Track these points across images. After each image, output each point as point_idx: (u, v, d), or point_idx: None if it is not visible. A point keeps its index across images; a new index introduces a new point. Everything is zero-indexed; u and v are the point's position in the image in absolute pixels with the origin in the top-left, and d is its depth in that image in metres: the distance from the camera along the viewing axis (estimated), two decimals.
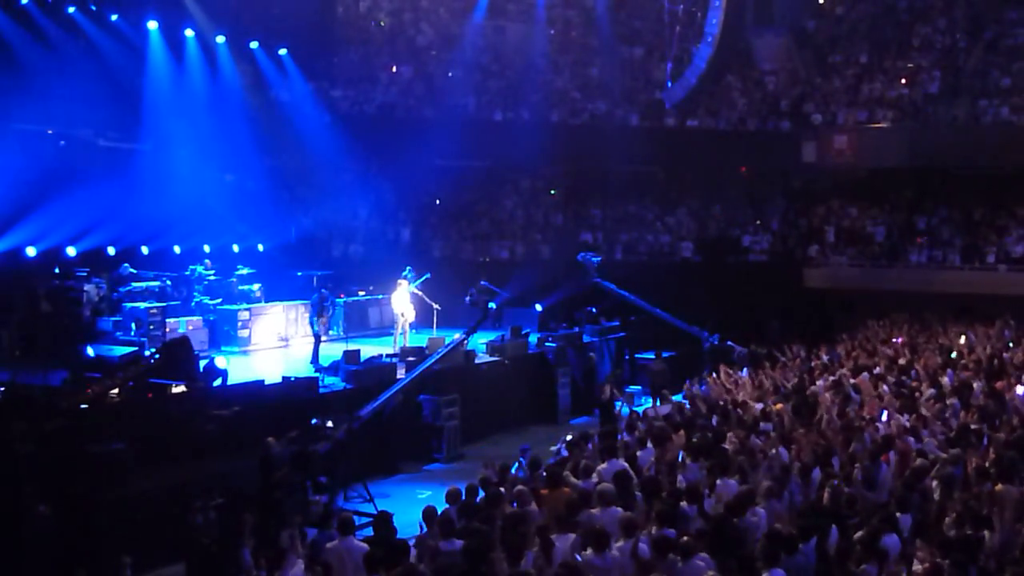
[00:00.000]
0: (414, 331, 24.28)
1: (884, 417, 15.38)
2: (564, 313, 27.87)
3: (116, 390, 16.33)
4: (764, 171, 34.70)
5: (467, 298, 26.62)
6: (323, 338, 22.64)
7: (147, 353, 18.00)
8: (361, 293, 27.05)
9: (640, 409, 18.80)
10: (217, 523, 13.15)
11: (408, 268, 24.33)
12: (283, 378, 18.50)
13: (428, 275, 24.42)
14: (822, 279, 31.65)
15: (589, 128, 35.76)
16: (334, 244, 34.03)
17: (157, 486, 14.57)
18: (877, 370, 19.43)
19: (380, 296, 26.07)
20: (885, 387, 17.61)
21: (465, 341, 21.20)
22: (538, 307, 27.76)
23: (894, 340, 24.15)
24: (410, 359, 20.98)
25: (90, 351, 19.22)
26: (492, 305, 25.94)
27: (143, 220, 26.05)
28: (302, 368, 21.20)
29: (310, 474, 15.19)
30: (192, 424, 15.99)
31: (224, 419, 16.26)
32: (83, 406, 15.54)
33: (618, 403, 20.00)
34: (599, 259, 28.43)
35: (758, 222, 34.49)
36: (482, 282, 25.79)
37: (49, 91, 23.77)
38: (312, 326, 22.49)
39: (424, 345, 22.02)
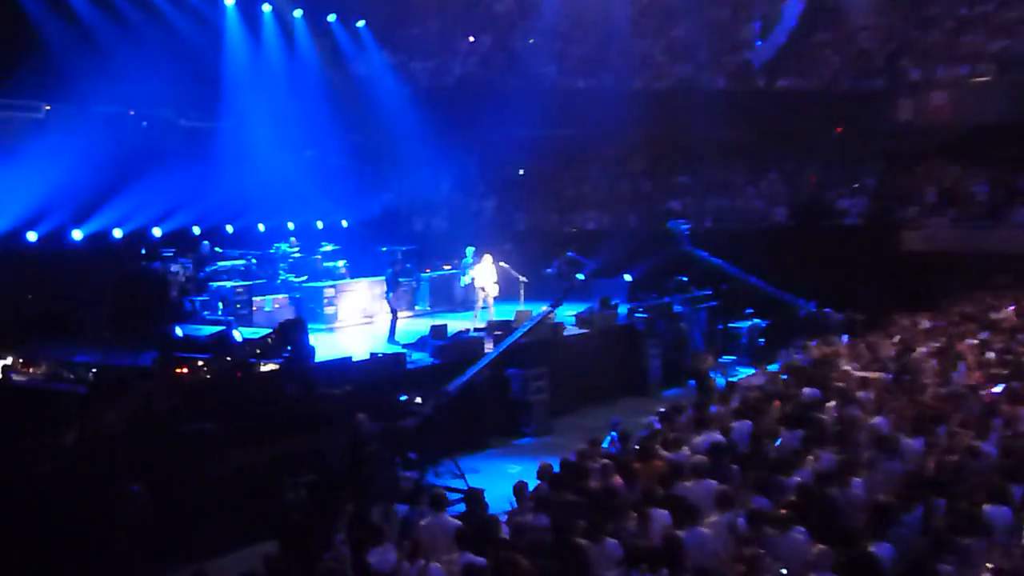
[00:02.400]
0: (496, 306, 24.45)
1: (991, 384, 15.10)
2: (654, 283, 27.72)
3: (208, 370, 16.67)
4: (859, 131, 34.01)
5: (552, 270, 26.73)
6: (401, 314, 22.79)
7: (264, 334, 18.27)
8: (446, 267, 27.22)
9: (735, 379, 18.71)
10: (308, 500, 13.39)
11: (472, 249, 24.63)
12: (370, 354, 18.70)
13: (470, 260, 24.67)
14: (921, 242, 30.97)
15: (675, 93, 35.38)
16: (417, 218, 34.27)
17: (248, 464, 14.80)
18: (982, 335, 19.07)
19: (466, 270, 26.27)
20: (991, 353, 17.28)
21: (552, 313, 21.22)
22: (627, 277, 27.69)
23: (1003, 305, 23.59)
24: (497, 333, 21.09)
25: (178, 331, 19.62)
26: (579, 276, 25.98)
27: (226, 199, 26.48)
28: (385, 344, 21.50)
29: (400, 450, 15.38)
30: (283, 402, 16.24)
31: (317, 397, 16.50)
32: (175, 386, 15.85)
33: (713, 373, 19.95)
34: (689, 226, 28.27)
35: (854, 185, 33.90)
36: (568, 253, 25.84)
37: (129, 72, 24.08)
38: (389, 301, 22.71)
39: (511, 319, 22.11)
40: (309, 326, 21.62)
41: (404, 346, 20.82)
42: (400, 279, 23.42)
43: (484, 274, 24.04)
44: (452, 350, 19.93)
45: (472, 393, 18.22)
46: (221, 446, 14.69)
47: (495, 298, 24.35)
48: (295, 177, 28.27)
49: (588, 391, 22.76)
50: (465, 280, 25.35)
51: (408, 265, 25.83)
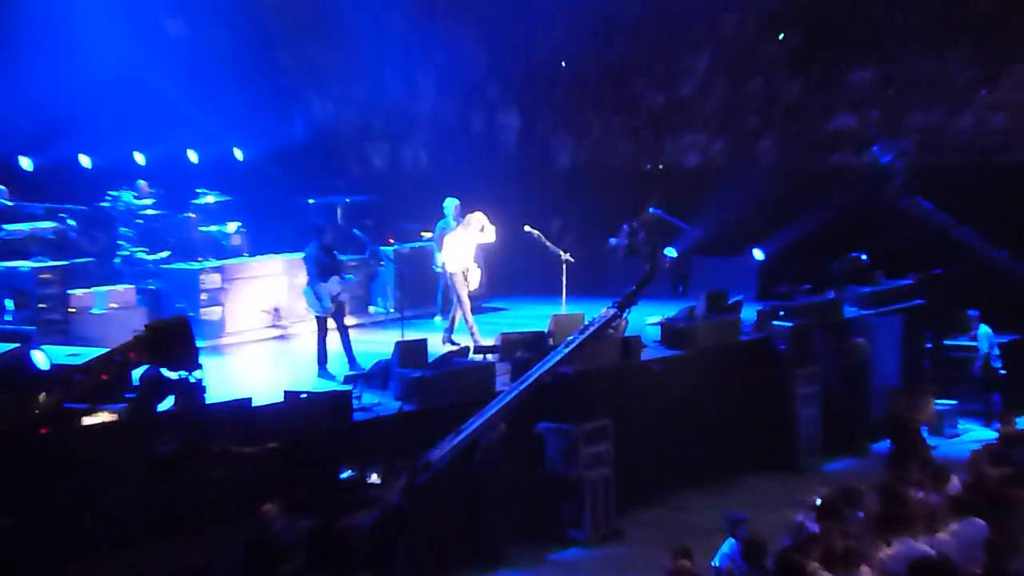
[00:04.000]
0: (523, 307, 24.52)
1: None
2: (807, 265, 27.72)
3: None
4: None
5: (618, 240, 26.72)
6: (336, 321, 22.68)
7: (102, 354, 18.25)
8: (425, 235, 27.22)
9: (958, 441, 18.68)
10: None
11: (452, 203, 24.69)
12: (286, 395, 18.64)
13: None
14: None
15: None
16: (375, 147, 34.27)
17: None
18: None
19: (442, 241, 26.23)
20: None
21: (621, 321, 21.21)
22: (757, 255, 27.67)
23: None
24: (518, 356, 21.05)
25: None
26: (670, 253, 25.95)
27: (23, 110, 26.45)
28: (315, 378, 21.56)
29: (342, 568, 15.40)
30: (134, 482, 16.22)
31: (202, 470, 16.49)
32: None
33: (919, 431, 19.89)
34: (894, 155, 28.31)
35: None
36: (650, 209, 25.83)
37: None
38: (310, 301, 22.51)
39: (546, 330, 22.09)
40: None
41: (348, 379, 20.78)
42: (339, 258, 23.33)
43: (463, 248, 24.13)
44: (436, 387, 19.86)
45: (473, 467, 18.23)
46: (24, 558, 14.70)
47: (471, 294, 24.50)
48: (150, 72, 28.24)
49: (686, 463, 22.73)
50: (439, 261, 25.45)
51: (356, 233, 25.76)
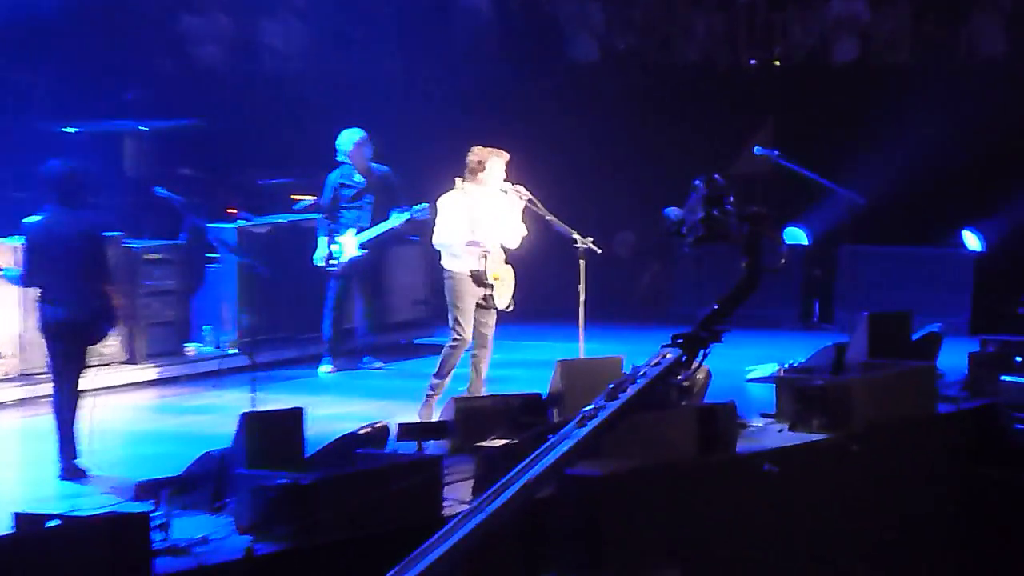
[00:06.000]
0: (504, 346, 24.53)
1: None
2: None
3: None
4: None
5: (685, 211, 26.64)
6: (122, 372, 22.58)
7: None
8: (301, 199, 27.22)
9: None
10: None
11: (353, 138, 24.68)
12: (19, 520, 18.49)
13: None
14: None
15: None
16: (203, 18, 34.40)
17: None
18: None
19: (405, 213, 26.13)
20: None
21: (696, 372, 21.04)
22: (971, 241, 27.66)
23: None
24: (490, 446, 20.89)
25: None
26: (793, 237, 25.97)
27: None
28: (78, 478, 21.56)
29: None
30: None
31: None
32: None
33: None
34: None
35: None
36: (755, 148, 25.83)
37: None
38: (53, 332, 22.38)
39: (546, 391, 21.99)
40: None
41: (143, 490, 20.60)
42: (130, 244, 23.21)
43: (481, 224, 23.95)
44: (326, 508, 19.68)
45: None
46: None
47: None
48: None
49: None
50: (327, 252, 25.38)
51: (163, 194, 25.70)
